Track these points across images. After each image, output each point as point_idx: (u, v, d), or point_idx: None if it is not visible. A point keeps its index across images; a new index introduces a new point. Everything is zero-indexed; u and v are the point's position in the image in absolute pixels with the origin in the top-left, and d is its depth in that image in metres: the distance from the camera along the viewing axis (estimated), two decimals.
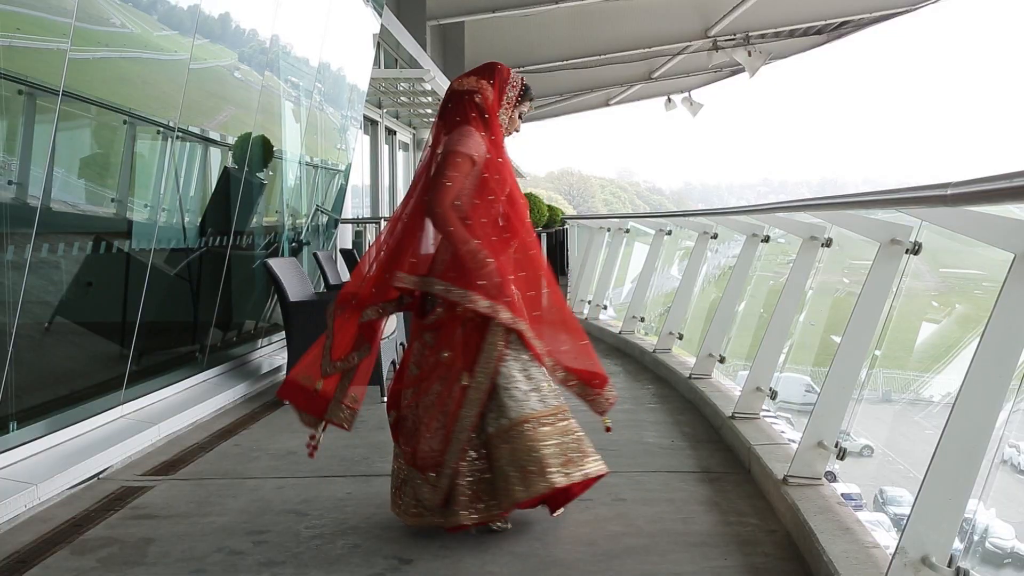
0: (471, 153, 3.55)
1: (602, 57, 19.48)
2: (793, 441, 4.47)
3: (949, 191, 2.62)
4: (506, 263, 3.57)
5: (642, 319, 9.40)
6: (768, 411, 5.42)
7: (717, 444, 5.19)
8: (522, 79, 3.79)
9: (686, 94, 23.08)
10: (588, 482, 3.64)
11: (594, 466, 3.60)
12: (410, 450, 3.57)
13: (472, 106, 3.65)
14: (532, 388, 3.54)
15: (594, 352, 3.76)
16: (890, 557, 2.76)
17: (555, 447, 3.51)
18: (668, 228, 9.77)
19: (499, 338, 3.52)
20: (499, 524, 3.61)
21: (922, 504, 2.69)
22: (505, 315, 3.49)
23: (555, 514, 3.72)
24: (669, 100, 23.29)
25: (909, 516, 2.73)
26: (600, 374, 3.70)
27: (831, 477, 3.94)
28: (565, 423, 3.58)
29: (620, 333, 9.38)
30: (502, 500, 3.52)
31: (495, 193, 3.60)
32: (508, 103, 3.72)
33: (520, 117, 3.81)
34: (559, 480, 3.49)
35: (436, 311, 3.60)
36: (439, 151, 3.63)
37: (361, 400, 3.66)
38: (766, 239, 6.29)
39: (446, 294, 3.52)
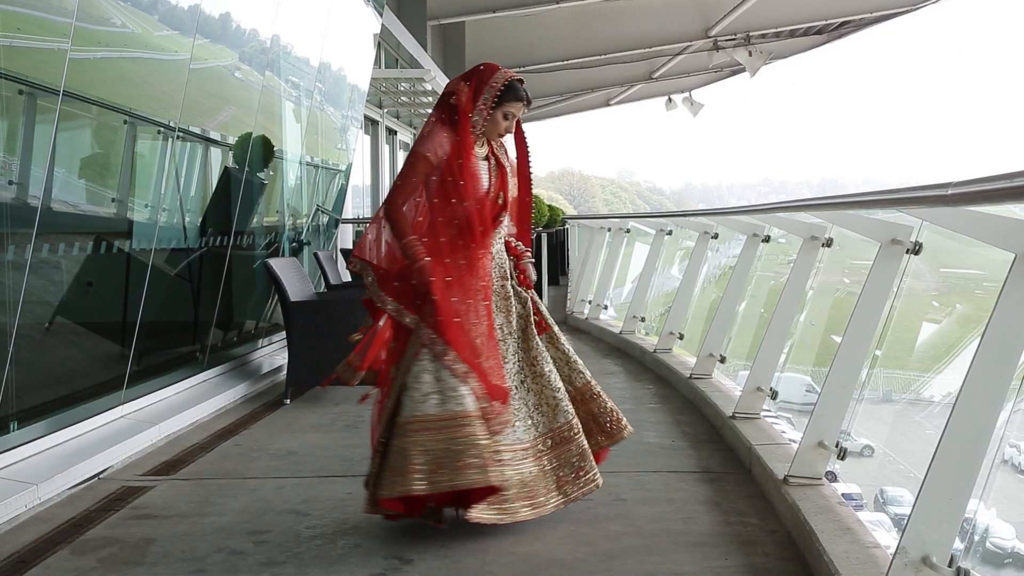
0: (426, 153, 3.59)
1: (603, 57, 19.48)
2: (794, 441, 4.47)
3: (950, 191, 2.62)
4: (449, 266, 3.57)
5: (642, 319, 9.40)
6: (769, 411, 5.42)
7: (718, 444, 5.19)
8: (508, 79, 3.69)
9: (687, 94, 23.08)
10: (482, 491, 3.49)
11: (474, 477, 3.43)
12: None
13: (445, 107, 3.67)
14: (436, 391, 3.49)
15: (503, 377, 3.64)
16: (891, 557, 2.76)
17: (427, 454, 3.42)
18: (668, 228, 9.77)
19: (418, 336, 3.55)
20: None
21: (923, 504, 2.69)
22: (407, 319, 3.59)
23: (469, 514, 3.49)
24: (670, 100, 23.30)
25: (910, 516, 2.73)
26: (501, 394, 3.58)
27: (832, 477, 3.94)
28: (461, 430, 3.44)
29: (621, 333, 9.38)
30: (381, 491, 3.53)
31: (456, 196, 3.59)
32: (484, 104, 3.67)
33: (506, 118, 3.71)
34: (418, 487, 3.41)
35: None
36: None
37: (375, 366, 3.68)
38: (767, 239, 6.29)
39: (370, 294, 3.64)
